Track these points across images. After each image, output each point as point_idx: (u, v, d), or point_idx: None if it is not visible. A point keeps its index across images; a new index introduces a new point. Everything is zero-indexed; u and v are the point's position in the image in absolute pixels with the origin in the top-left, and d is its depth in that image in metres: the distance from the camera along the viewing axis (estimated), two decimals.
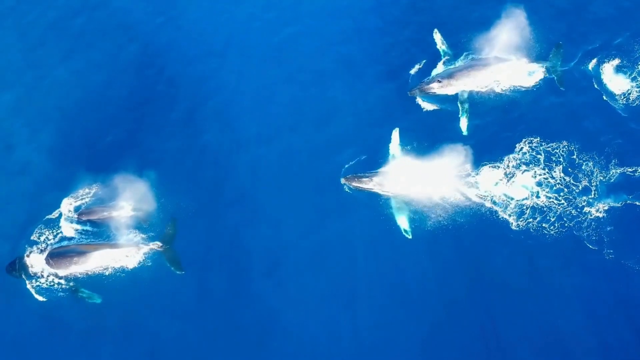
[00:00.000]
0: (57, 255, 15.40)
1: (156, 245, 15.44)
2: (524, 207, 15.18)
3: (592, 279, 14.29)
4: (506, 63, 17.62)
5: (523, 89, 17.36)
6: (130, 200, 16.25)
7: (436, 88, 17.43)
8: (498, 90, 17.36)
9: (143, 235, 15.95)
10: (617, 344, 13.47)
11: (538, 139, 16.29)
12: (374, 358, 14.02)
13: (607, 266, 14.27)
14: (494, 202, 15.34)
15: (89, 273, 15.35)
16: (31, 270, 15.37)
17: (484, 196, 15.47)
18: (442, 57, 18.50)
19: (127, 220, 16.04)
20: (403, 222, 15.38)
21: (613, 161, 15.68)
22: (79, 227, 16.17)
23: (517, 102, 17.22)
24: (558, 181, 15.46)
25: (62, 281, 15.34)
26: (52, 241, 15.95)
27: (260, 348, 14.35)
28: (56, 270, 15.33)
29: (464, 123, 16.80)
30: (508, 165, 15.88)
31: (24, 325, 14.97)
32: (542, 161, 15.86)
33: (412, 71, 18.48)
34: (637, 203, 14.91)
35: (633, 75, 17.17)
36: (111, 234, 16.00)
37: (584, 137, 16.20)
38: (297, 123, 18.11)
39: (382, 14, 20.72)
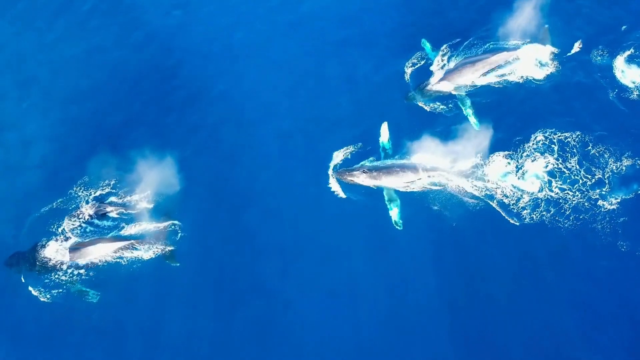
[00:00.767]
0: (77, 247, 15.44)
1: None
2: (538, 200, 15.19)
3: (607, 271, 14.37)
4: (498, 55, 17.48)
5: (536, 80, 17.24)
6: (144, 192, 16.26)
7: (433, 87, 17.38)
8: (511, 81, 17.30)
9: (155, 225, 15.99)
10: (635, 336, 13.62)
11: (553, 129, 16.22)
12: (384, 350, 14.12)
13: (623, 258, 14.34)
14: (505, 194, 15.34)
15: (105, 262, 15.41)
16: (49, 261, 15.34)
17: (495, 187, 15.47)
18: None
19: (141, 211, 16.06)
20: (394, 213, 15.41)
21: (627, 153, 15.67)
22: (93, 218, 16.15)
23: (530, 94, 17.10)
24: (572, 173, 15.44)
25: (82, 271, 15.35)
26: (67, 232, 15.91)
27: (270, 340, 14.44)
28: (77, 261, 15.34)
29: (472, 119, 16.68)
30: (521, 156, 15.85)
31: (33, 320, 14.95)
32: (556, 151, 15.80)
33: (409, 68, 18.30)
34: None
35: None
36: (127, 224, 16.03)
37: (598, 129, 16.14)
38: (308, 113, 18.00)
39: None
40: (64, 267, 15.30)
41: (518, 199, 15.23)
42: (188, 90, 18.83)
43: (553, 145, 15.93)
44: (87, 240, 15.63)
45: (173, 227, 15.75)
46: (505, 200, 15.28)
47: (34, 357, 14.52)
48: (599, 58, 17.53)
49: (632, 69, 17.18)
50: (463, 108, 16.89)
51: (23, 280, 15.26)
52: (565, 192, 15.21)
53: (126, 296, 15.02)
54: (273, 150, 17.28)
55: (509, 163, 15.83)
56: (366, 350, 14.14)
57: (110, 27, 20.63)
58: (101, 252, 15.30)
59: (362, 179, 15.87)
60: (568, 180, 15.35)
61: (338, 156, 16.63)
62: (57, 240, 15.72)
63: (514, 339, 13.91)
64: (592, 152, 15.71)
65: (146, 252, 15.36)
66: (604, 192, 15.15)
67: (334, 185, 16.09)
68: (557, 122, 16.41)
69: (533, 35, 17.95)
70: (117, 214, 16.04)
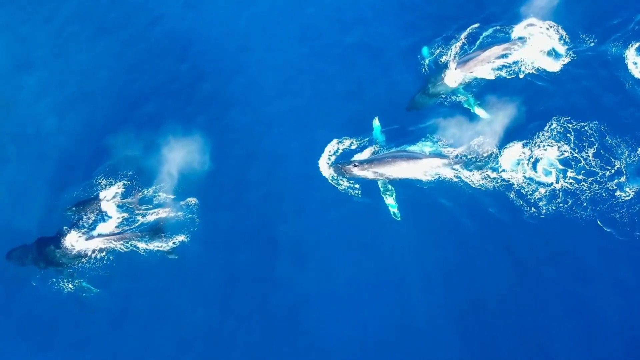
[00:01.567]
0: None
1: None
2: (554, 190, 15.03)
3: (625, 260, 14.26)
4: (493, 50, 17.29)
5: (550, 71, 17.00)
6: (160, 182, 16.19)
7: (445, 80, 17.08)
8: (524, 72, 17.15)
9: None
10: None
11: (568, 118, 15.97)
12: (396, 345, 14.07)
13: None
14: (520, 185, 15.19)
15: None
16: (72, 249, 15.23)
17: (509, 177, 15.32)
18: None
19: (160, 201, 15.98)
20: (391, 204, 15.31)
21: None
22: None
23: (544, 85, 16.84)
24: (588, 163, 15.30)
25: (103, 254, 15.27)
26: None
27: (287, 332, 14.41)
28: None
29: (480, 111, 16.47)
30: (535, 145, 15.70)
31: (54, 309, 14.95)
32: (572, 141, 15.59)
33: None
34: None
35: None
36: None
37: (614, 119, 15.88)
38: (322, 102, 17.86)
39: None
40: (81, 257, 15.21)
41: (534, 190, 15.06)
42: (207, 83, 18.68)
43: (569, 135, 15.70)
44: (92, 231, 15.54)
45: (189, 216, 15.62)
46: (521, 191, 15.11)
47: (46, 348, 14.55)
48: (614, 49, 17.35)
49: None
50: (468, 103, 16.68)
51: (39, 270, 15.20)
52: (582, 182, 15.04)
53: (140, 287, 14.98)
54: (288, 141, 17.11)
55: (523, 153, 15.65)
56: (379, 345, 14.11)
57: (126, 23, 20.35)
58: (99, 243, 15.21)
59: (365, 171, 15.68)
60: (583, 172, 15.15)
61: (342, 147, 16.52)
62: (74, 231, 15.59)
63: (547, 324, 13.86)
64: (610, 142, 15.50)
65: (143, 243, 15.22)
66: (621, 182, 14.99)
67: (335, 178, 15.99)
68: (572, 111, 16.13)
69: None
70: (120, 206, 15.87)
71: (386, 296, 14.62)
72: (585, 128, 15.77)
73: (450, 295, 14.45)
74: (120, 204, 15.89)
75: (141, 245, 15.20)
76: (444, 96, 17.07)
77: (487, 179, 15.37)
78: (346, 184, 15.87)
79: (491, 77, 17.13)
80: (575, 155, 15.35)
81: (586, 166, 15.16)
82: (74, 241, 15.20)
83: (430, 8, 19.08)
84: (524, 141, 15.78)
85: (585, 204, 14.74)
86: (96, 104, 18.45)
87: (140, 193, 15.93)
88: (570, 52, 17.16)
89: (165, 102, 18.27)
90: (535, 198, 14.99)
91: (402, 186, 15.61)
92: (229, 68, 18.89)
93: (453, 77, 17.10)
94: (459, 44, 17.83)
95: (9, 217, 16.30)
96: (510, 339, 13.88)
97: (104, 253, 15.25)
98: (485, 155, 15.68)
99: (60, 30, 20.20)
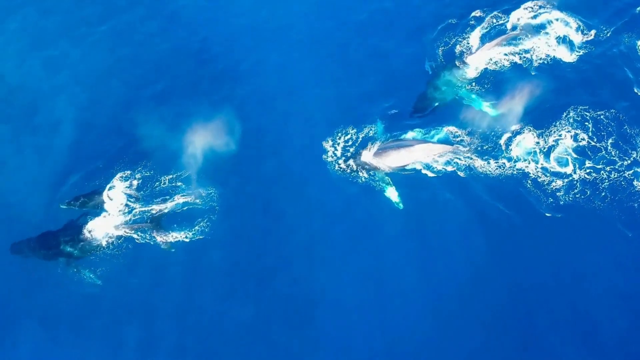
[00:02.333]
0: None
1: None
2: (572, 180, 14.86)
3: None
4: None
5: (566, 61, 16.78)
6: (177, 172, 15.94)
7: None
8: (540, 61, 16.95)
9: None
10: None
11: (586, 107, 15.76)
12: (414, 336, 13.88)
13: None
14: (536, 174, 15.00)
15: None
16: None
17: (525, 166, 15.11)
18: None
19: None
20: (391, 194, 15.19)
21: None
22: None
23: (560, 75, 16.63)
24: (608, 152, 15.12)
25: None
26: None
27: (302, 326, 14.26)
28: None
29: (486, 107, 16.19)
30: (552, 135, 15.51)
31: (73, 301, 14.70)
32: (590, 130, 15.39)
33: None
34: None
35: None
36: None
37: (629, 108, 15.77)
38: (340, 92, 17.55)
39: None
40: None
41: (550, 180, 14.86)
42: (215, 67, 18.37)
43: (587, 123, 15.50)
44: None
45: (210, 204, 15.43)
46: (538, 180, 14.90)
47: (64, 340, 14.33)
48: (627, 40, 17.18)
49: None
50: (476, 103, 16.37)
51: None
52: (601, 172, 14.85)
53: (158, 280, 14.79)
54: (303, 132, 16.84)
55: (537, 143, 15.44)
56: (396, 337, 13.92)
57: (137, 6, 19.96)
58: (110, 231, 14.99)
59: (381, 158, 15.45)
60: (603, 161, 14.98)
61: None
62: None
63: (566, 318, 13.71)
64: (629, 131, 15.33)
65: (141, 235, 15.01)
66: (638, 171, 14.84)
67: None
68: (589, 101, 15.95)
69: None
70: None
71: (401, 291, 14.44)
72: (602, 117, 15.55)
73: (465, 290, 14.26)
74: (130, 193, 15.65)
75: (137, 235, 15.01)
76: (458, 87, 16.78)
77: (502, 168, 15.13)
78: (365, 175, 15.61)
79: (505, 62, 16.84)
80: (594, 144, 15.12)
81: (606, 155, 14.94)
82: (85, 232, 15.03)
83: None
84: (541, 130, 15.58)
85: (604, 193, 14.54)
86: (110, 90, 18.15)
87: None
88: (587, 43, 16.95)
89: (179, 90, 18.01)
90: (552, 188, 14.80)
91: (416, 183, 15.42)
92: (242, 56, 18.65)
93: (475, 63, 16.74)
94: (478, 30, 17.59)
95: (23, 206, 15.98)
96: (524, 329, 13.78)
97: (114, 243, 15.06)
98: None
99: (73, 15, 19.80)
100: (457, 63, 17.03)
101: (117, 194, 15.53)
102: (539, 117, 15.82)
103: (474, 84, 16.73)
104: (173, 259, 14.79)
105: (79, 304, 14.52)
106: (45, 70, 18.75)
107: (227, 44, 18.84)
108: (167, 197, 15.63)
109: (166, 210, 15.24)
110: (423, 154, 15.43)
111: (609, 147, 15.10)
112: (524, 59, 16.93)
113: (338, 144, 16.11)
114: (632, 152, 15.02)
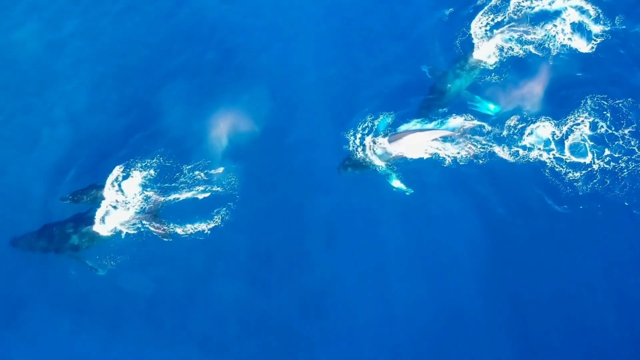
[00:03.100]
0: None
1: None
2: (590, 169, 14.67)
3: None
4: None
5: (582, 51, 16.50)
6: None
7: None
8: (556, 50, 16.67)
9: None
10: None
11: (605, 96, 15.55)
12: (432, 327, 13.80)
13: None
14: (554, 164, 14.82)
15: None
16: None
17: (542, 156, 14.94)
18: None
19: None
20: (397, 184, 15.11)
21: None
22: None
23: (576, 64, 16.37)
24: (626, 142, 14.90)
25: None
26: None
27: (317, 313, 14.22)
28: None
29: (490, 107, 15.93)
30: (569, 123, 15.28)
31: (91, 291, 14.67)
32: (608, 119, 15.18)
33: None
34: None
35: None
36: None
37: None
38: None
39: None
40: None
41: (568, 170, 14.67)
42: (233, 57, 18.12)
43: (605, 112, 15.29)
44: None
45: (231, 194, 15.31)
46: (555, 170, 14.72)
47: (83, 330, 14.29)
48: None
49: None
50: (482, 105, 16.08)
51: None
52: (620, 161, 14.65)
53: (174, 269, 14.72)
54: (323, 122, 16.62)
55: (554, 132, 15.22)
56: (409, 328, 13.85)
57: None
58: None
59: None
60: (622, 150, 14.78)
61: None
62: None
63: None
64: None
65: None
66: None
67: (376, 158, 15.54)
68: (607, 90, 15.70)
69: None
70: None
71: (415, 280, 14.37)
72: (620, 105, 15.34)
73: (481, 280, 14.18)
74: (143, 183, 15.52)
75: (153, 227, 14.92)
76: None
77: (518, 157, 14.93)
78: (380, 162, 15.48)
79: (520, 52, 16.55)
80: (612, 132, 14.90)
81: (624, 145, 14.73)
82: (96, 223, 14.93)
83: None
84: (557, 119, 15.38)
85: (624, 182, 14.34)
86: (126, 81, 17.93)
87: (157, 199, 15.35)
88: (604, 32, 16.67)
89: (196, 80, 17.76)
90: (570, 178, 14.65)
91: (434, 171, 15.25)
92: (256, 45, 18.42)
93: (487, 49, 16.47)
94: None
95: (42, 198, 15.81)
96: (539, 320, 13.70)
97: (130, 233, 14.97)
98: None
99: (89, 8, 19.48)
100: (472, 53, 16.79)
101: (131, 185, 15.41)
102: (556, 106, 15.61)
103: (493, 74, 16.49)
104: (191, 248, 14.71)
105: (100, 296, 14.53)
106: (56, 55, 18.52)
107: (246, 35, 18.60)
108: (186, 186, 15.48)
109: (180, 199, 15.08)
110: (432, 137, 15.31)
111: (627, 136, 14.86)
112: (540, 48, 16.67)
113: (359, 134, 15.94)
114: None
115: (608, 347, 13.21)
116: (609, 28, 16.69)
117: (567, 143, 15.00)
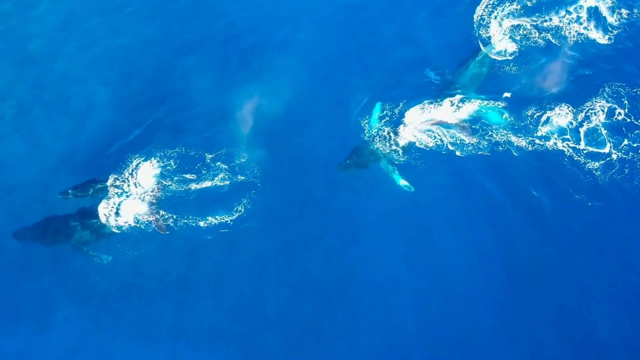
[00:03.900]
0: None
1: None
2: (610, 158, 14.55)
3: None
4: None
5: (599, 42, 16.35)
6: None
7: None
8: (573, 39, 16.50)
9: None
10: None
11: (623, 84, 15.40)
12: (449, 321, 13.77)
13: None
14: (572, 153, 14.71)
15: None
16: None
17: (558, 144, 14.83)
18: None
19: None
20: (399, 180, 15.05)
21: None
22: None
23: (593, 53, 16.24)
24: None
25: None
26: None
27: (336, 306, 14.20)
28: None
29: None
30: (587, 112, 15.12)
31: (110, 281, 14.63)
32: (626, 106, 15.03)
33: None
34: None
35: None
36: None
37: None
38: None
39: None
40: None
41: (586, 159, 14.53)
42: (244, 42, 18.09)
43: (623, 99, 15.12)
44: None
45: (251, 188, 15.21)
46: (574, 159, 14.61)
47: (100, 321, 14.29)
48: None
49: None
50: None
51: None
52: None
53: (195, 260, 14.72)
54: (339, 110, 16.53)
55: (571, 122, 15.08)
56: (427, 318, 13.83)
57: None
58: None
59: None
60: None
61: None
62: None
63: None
64: None
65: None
66: None
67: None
68: (625, 78, 15.55)
69: None
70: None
71: (434, 273, 14.33)
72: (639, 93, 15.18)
73: (498, 273, 14.11)
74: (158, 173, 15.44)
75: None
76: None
77: (535, 145, 14.82)
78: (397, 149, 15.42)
79: (539, 40, 16.45)
80: (631, 121, 14.77)
81: None
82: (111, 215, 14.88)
83: None
84: (575, 107, 15.25)
85: None
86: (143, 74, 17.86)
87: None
88: (622, 23, 16.50)
89: (208, 67, 17.70)
90: (588, 168, 14.50)
91: (446, 166, 15.18)
92: (272, 30, 18.38)
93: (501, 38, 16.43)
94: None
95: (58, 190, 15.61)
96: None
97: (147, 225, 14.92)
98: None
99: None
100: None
101: (148, 175, 15.35)
102: (573, 95, 15.50)
103: (511, 64, 16.36)
104: (211, 240, 14.66)
105: (119, 288, 14.50)
106: (76, 46, 18.43)
107: (256, 19, 18.53)
108: (207, 176, 15.39)
109: (200, 189, 14.99)
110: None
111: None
112: (557, 37, 16.49)
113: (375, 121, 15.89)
114: None
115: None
116: (626, 18, 16.50)
117: (582, 130, 14.89)
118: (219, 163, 15.48)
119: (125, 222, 14.82)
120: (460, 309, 13.81)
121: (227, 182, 15.19)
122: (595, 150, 14.68)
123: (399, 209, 14.96)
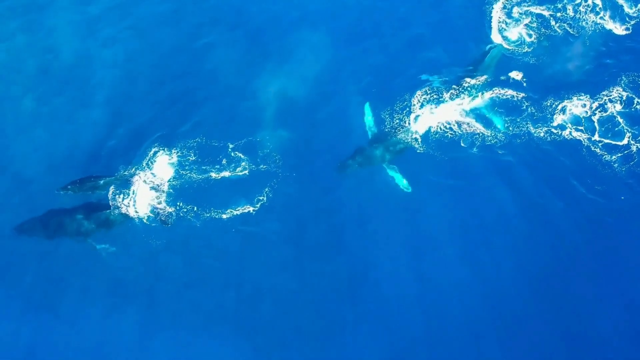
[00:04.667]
0: None
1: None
2: (629, 149, 14.60)
3: None
4: None
5: (616, 33, 16.38)
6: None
7: None
8: (590, 29, 16.45)
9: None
10: None
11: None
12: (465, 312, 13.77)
13: None
14: (590, 143, 14.74)
15: None
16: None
17: (574, 133, 14.88)
18: None
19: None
20: (399, 180, 15.03)
21: None
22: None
23: (610, 44, 16.29)
24: None
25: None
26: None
27: (350, 296, 14.17)
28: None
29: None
30: (603, 101, 15.14)
31: (129, 274, 14.49)
32: None
33: None
34: None
35: None
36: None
37: None
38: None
39: None
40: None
41: (604, 150, 14.55)
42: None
43: None
44: None
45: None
46: (592, 149, 14.64)
47: (119, 310, 14.14)
48: None
49: None
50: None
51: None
52: None
53: (213, 253, 14.57)
54: (360, 102, 16.32)
55: (586, 112, 15.07)
56: (442, 310, 13.84)
57: None
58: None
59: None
60: None
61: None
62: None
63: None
64: None
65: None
66: None
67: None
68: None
69: None
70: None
71: (448, 264, 14.31)
72: None
73: (519, 265, 14.13)
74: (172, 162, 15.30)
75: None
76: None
77: (552, 135, 14.83)
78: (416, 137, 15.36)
79: (557, 29, 16.40)
80: None
81: None
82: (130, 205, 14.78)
83: None
84: (592, 97, 15.28)
85: None
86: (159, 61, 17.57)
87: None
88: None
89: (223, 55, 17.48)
90: (606, 160, 14.51)
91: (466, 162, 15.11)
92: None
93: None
94: None
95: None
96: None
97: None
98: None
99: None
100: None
101: (165, 166, 15.19)
102: (591, 85, 15.53)
103: (530, 55, 16.32)
104: (227, 230, 14.60)
105: (136, 278, 14.37)
106: (95, 38, 18.10)
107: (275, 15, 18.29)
108: (226, 166, 15.25)
109: (219, 179, 14.92)
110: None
111: None
112: (574, 27, 16.40)
113: (396, 113, 15.79)
114: None
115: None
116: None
117: (596, 120, 14.94)
118: (238, 153, 15.35)
119: (143, 213, 14.68)
120: (476, 298, 13.81)
121: (247, 172, 15.09)
122: (614, 142, 14.71)
123: (414, 200, 14.90)
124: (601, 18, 16.55)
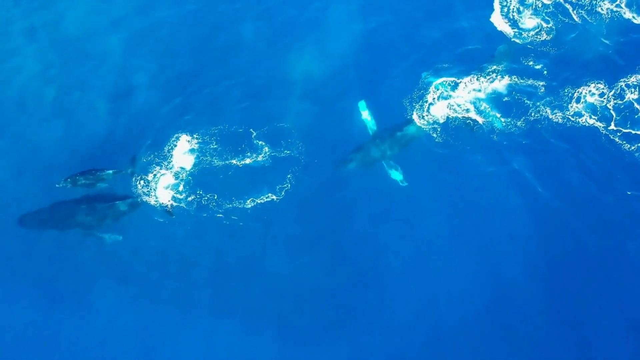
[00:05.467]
0: None
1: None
2: None
3: None
4: None
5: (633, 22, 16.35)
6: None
7: None
8: (607, 15, 16.39)
9: None
10: None
11: None
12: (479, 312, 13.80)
13: None
14: (606, 132, 14.76)
15: None
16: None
17: (591, 122, 14.86)
18: None
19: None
20: (396, 175, 15.05)
21: None
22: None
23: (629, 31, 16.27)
24: None
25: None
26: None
27: (368, 286, 14.29)
28: None
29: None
30: (620, 89, 15.12)
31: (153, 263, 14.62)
32: None
33: None
34: None
35: None
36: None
37: None
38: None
39: None
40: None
41: (622, 142, 14.55)
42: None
43: None
44: None
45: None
46: (610, 137, 14.61)
47: (137, 300, 14.36)
48: None
49: None
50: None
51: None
52: None
53: (232, 242, 14.64)
54: (382, 92, 16.38)
55: (602, 102, 15.05)
56: (459, 302, 13.92)
57: None
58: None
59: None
60: None
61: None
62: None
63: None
64: None
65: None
66: None
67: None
68: None
69: None
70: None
71: (462, 258, 14.35)
72: None
73: (537, 254, 14.18)
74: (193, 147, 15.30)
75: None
76: None
77: (571, 122, 14.86)
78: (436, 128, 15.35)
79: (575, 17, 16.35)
80: None
81: None
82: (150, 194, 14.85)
83: None
84: (608, 85, 15.22)
85: None
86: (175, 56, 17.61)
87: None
88: None
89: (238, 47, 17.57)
90: (625, 149, 14.50)
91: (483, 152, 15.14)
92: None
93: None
94: None
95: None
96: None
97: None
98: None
99: None
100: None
101: (188, 154, 15.25)
102: (608, 73, 15.48)
103: (549, 44, 16.26)
104: (249, 218, 14.64)
105: (160, 267, 14.50)
106: (111, 24, 18.23)
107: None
108: (249, 155, 15.29)
109: (241, 166, 14.94)
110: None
111: None
112: (591, 14, 16.40)
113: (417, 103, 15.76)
114: None
115: None
116: None
117: (611, 107, 14.92)
118: (259, 141, 15.39)
119: (167, 200, 14.74)
120: (490, 293, 13.88)
121: (269, 159, 15.15)
122: (634, 132, 14.68)
123: (429, 193, 14.97)
124: (617, 5, 16.50)
